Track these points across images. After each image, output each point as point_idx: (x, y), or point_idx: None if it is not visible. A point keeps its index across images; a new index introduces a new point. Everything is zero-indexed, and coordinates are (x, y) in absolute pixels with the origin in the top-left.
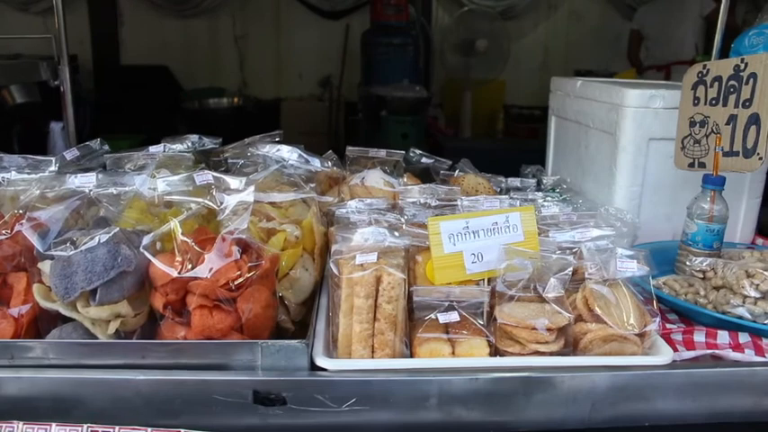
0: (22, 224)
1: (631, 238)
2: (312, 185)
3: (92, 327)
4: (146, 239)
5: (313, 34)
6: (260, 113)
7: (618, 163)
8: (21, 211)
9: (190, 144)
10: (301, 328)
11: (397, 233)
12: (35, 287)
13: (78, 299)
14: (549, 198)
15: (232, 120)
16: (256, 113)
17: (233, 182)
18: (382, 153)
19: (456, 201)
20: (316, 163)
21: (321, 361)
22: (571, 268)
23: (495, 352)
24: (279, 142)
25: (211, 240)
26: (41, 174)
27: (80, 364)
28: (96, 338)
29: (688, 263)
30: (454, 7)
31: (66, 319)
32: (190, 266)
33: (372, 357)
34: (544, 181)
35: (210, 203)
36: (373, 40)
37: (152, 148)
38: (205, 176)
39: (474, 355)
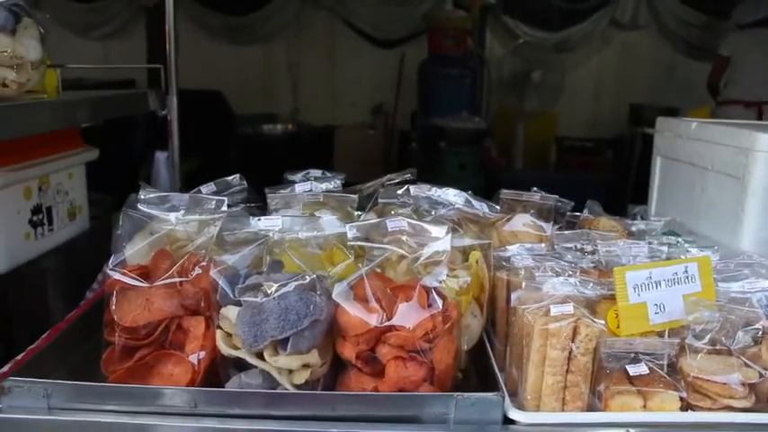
0: (202, 267)
1: None
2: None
3: (278, 376)
4: (339, 287)
5: (366, 63)
6: (313, 140)
7: (746, 207)
8: (203, 253)
9: (336, 183)
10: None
11: (590, 283)
12: (218, 333)
13: (266, 347)
14: (687, 244)
15: (286, 146)
16: (310, 140)
17: (434, 229)
18: (536, 197)
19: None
20: (483, 208)
21: (514, 414)
22: (763, 322)
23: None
24: (413, 181)
25: (403, 289)
26: (216, 214)
27: (265, 415)
28: (275, 388)
29: None
30: (507, 39)
31: (240, 367)
32: (385, 316)
33: (563, 410)
34: (654, 223)
35: (401, 251)
36: (432, 70)
37: (298, 187)
38: (398, 223)
39: (665, 409)
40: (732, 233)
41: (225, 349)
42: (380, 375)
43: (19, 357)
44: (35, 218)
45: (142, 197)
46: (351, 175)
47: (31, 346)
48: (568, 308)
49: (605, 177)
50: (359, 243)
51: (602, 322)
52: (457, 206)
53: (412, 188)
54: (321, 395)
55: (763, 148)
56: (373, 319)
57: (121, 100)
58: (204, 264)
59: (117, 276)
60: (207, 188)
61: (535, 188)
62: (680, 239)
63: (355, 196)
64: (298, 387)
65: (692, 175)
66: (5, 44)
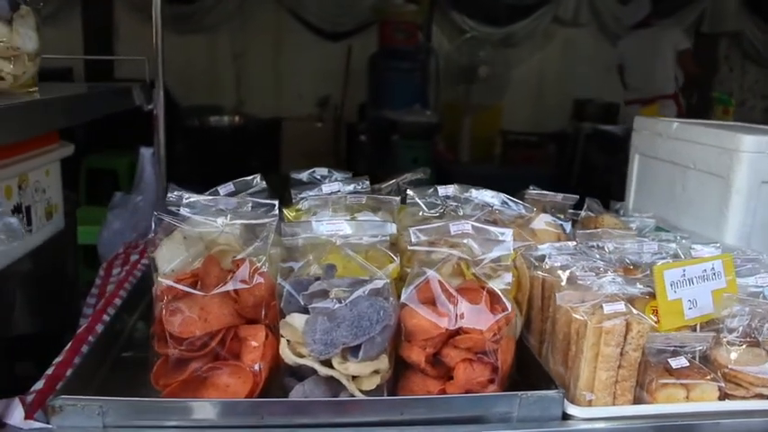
0: (262, 274)
1: None
2: None
3: (348, 383)
4: (407, 291)
5: (312, 54)
6: (259, 133)
7: (730, 205)
8: (262, 260)
9: (364, 184)
10: None
11: (636, 282)
12: (282, 341)
13: (335, 354)
14: (684, 240)
15: (231, 138)
16: (256, 132)
17: (502, 233)
18: (559, 197)
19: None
20: (520, 209)
21: (572, 409)
22: None
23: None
24: (426, 180)
25: (467, 291)
26: (268, 218)
27: (333, 423)
28: (337, 395)
29: None
30: (454, 33)
31: (297, 376)
32: (456, 319)
33: (614, 403)
34: (647, 220)
35: (463, 255)
36: (383, 63)
37: (325, 188)
38: (462, 226)
39: (705, 399)
40: (716, 229)
41: (290, 358)
42: (444, 378)
43: (49, 372)
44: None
45: (185, 200)
46: (299, 167)
47: (58, 360)
48: (620, 306)
49: (549, 171)
50: (422, 248)
51: (652, 319)
52: (495, 207)
53: (449, 188)
54: (391, 400)
55: (747, 149)
56: (444, 323)
57: (109, 96)
58: (264, 270)
59: (169, 284)
60: (225, 188)
61: (532, 186)
62: (677, 236)
63: (398, 199)
64: (365, 393)
65: (672, 173)
66: (2, 34)
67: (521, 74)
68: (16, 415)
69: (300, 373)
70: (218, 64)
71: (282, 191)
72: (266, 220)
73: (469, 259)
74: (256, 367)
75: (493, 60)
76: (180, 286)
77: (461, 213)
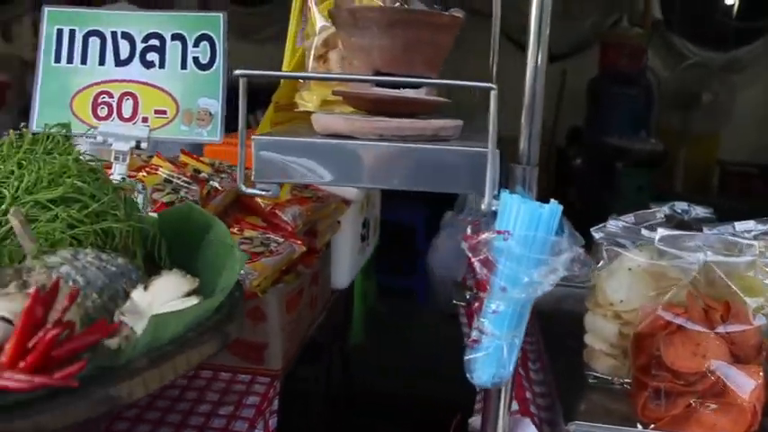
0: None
1: None
2: None
3: None
4: None
5: (521, 76)
6: None
7: None
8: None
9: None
10: None
11: None
12: None
13: None
14: None
15: None
16: None
17: None
18: None
19: None
20: None
21: None
22: None
23: None
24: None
25: None
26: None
27: None
28: None
29: None
30: (671, 58)
31: None
32: None
33: None
34: None
35: None
36: (605, 87)
37: (738, 226)
38: None
39: None
40: None
41: None
42: None
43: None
44: (363, 231)
45: (660, 234)
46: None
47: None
48: None
49: None
50: None
51: None
52: None
53: None
54: None
55: None
56: None
57: None
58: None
59: (668, 318)
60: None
61: None
62: None
63: None
64: None
65: None
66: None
67: (743, 100)
68: None
69: None
70: None
71: None
72: (749, 259)
73: None
74: (753, 407)
75: (715, 87)
76: (679, 321)
77: None
